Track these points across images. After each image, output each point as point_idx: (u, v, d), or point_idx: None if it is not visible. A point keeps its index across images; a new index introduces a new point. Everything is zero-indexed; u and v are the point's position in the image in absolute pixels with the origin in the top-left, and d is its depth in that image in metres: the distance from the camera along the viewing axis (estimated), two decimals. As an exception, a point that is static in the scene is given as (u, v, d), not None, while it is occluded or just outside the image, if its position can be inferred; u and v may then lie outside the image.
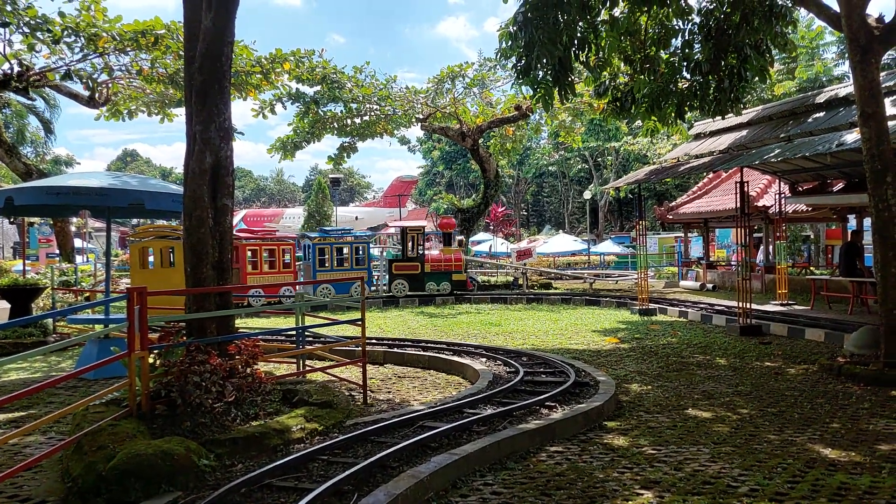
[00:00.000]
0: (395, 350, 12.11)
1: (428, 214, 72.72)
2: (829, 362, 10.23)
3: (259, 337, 9.26)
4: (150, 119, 39.91)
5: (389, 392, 9.29)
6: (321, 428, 6.88)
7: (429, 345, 12.66)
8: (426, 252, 25.08)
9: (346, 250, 23.60)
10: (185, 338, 7.40)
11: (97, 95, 19.25)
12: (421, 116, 27.89)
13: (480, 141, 29.55)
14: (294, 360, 9.99)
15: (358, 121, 26.68)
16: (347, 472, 5.34)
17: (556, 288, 27.46)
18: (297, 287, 22.85)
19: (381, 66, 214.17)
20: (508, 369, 10.13)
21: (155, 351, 7.02)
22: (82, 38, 16.04)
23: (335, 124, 26.46)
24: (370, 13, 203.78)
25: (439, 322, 17.31)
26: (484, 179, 30.42)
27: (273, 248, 22.80)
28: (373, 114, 26.65)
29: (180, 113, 20.34)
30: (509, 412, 7.42)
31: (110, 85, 19.20)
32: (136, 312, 6.18)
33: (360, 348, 8.85)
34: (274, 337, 12.54)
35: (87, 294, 17.40)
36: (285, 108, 23.81)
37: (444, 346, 12.49)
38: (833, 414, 7.68)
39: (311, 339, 11.97)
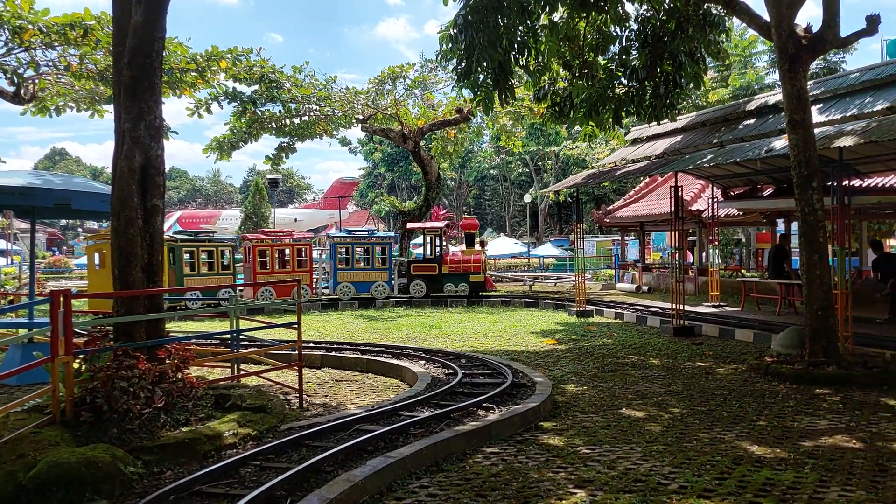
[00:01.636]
0: (333, 353, 11.98)
1: (369, 217, 72.44)
2: (757, 362, 10.56)
3: (192, 341, 9.04)
4: (80, 116, 38.74)
5: (326, 396, 9.19)
6: (254, 433, 6.75)
7: (367, 348, 12.57)
8: (445, 253, 24.74)
9: (368, 250, 23.59)
10: (112, 342, 7.16)
11: (23, 91, 18.49)
12: (361, 117, 27.71)
13: (422, 143, 29.56)
14: (228, 365, 9.77)
15: (297, 121, 26.35)
16: (280, 478, 5.25)
17: (496, 290, 27.62)
18: (314, 285, 23.48)
19: (321, 67, 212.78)
20: (447, 371, 10.13)
21: (80, 356, 6.77)
22: (6, 31, 15.41)
23: (273, 124, 26.07)
24: (309, 13, 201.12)
25: (379, 325, 17.21)
26: (426, 182, 30.41)
27: (286, 248, 23.04)
28: (312, 114, 26.37)
29: (111, 109, 19.76)
30: (446, 414, 7.42)
31: (37, 80, 18.47)
32: (60, 316, 5.96)
33: (296, 352, 8.72)
34: (208, 341, 12.25)
35: (11, 297, 16.79)
36: (221, 108, 23.38)
37: (384, 348, 12.42)
38: (760, 412, 7.91)
39: (246, 343, 11.73)
